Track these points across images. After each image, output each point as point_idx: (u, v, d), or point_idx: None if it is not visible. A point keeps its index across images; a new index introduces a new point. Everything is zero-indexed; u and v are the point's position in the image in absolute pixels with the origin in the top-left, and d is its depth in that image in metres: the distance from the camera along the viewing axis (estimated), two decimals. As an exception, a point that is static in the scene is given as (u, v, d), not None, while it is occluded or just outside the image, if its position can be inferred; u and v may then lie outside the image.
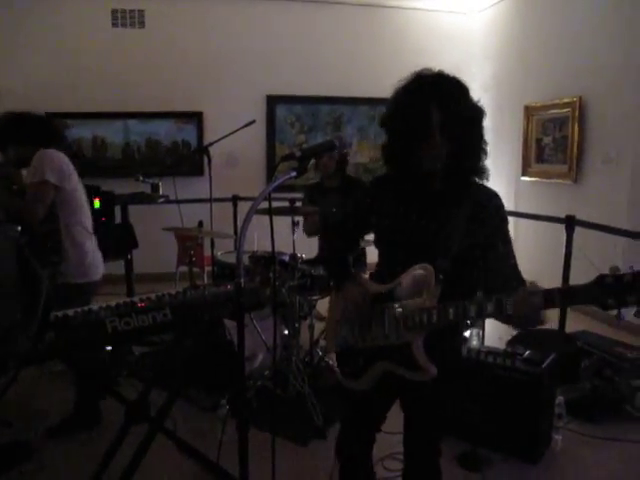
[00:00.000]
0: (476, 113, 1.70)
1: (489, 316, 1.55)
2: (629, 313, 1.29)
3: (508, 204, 6.63)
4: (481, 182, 1.77)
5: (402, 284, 1.73)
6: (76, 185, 2.97)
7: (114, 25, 6.43)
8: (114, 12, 6.41)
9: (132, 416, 2.37)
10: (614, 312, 1.35)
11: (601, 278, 1.35)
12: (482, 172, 1.76)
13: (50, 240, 2.86)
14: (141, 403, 2.40)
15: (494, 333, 4.57)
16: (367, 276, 1.96)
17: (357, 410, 1.97)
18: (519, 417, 2.90)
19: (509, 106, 6.76)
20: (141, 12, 6.45)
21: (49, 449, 3.00)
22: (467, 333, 3.55)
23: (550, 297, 1.42)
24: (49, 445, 3.03)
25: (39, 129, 2.97)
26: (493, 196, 1.76)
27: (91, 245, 3.03)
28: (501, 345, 3.95)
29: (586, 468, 2.93)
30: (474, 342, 3.27)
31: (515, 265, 1.72)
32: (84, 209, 3.03)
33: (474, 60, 7.26)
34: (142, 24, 6.47)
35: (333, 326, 1.96)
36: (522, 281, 1.68)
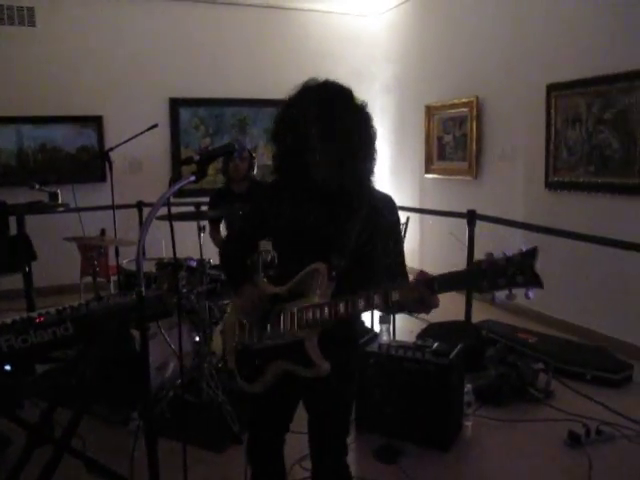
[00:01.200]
0: (357, 122, 1.71)
1: (377, 307, 1.61)
2: (521, 295, 1.35)
3: (413, 201, 6.87)
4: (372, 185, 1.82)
5: (297, 283, 1.76)
6: None
7: (1, 23, 6.04)
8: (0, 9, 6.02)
9: (34, 439, 2.24)
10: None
11: (477, 264, 1.41)
12: (369, 176, 1.79)
13: None
14: (43, 425, 2.27)
15: (405, 327, 4.70)
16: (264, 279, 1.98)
17: (261, 412, 1.97)
18: (431, 407, 2.99)
19: (411, 106, 6.97)
20: (30, 10, 6.09)
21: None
22: (377, 328, 3.62)
23: (431, 284, 1.50)
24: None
25: None
26: (387, 199, 1.84)
27: None
28: (412, 339, 4.06)
29: (494, 450, 3.07)
30: (384, 337, 3.34)
31: (403, 262, 1.82)
32: None
33: (376, 62, 7.45)
34: (32, 22, 6.12)
35: (231, 330, 1.95)
36: (406, 277, 1.78)
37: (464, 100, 5.96)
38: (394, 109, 7.38)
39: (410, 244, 5.49)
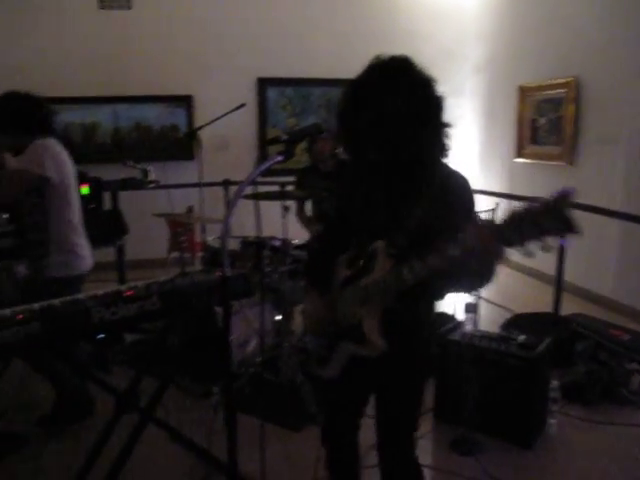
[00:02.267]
0: (424, 98, 1.65)
1: (435, 268, 1.49)
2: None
3: (502, 186, 6.64)
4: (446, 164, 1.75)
5: (363, 263, 1.74)
6: (70, 179, 2.89)
7: (101, 7, 6.28)
8: (101, -7, 6.26)
9: (122, 406, 2.33)
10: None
11: (509, 215, 1.30)
12: (439, 153, 1.71)
13: (35, 233, 2.80)
14: (131, 393, 2.36)
15: (489, 317, 4.56)
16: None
17: (335, 397, 1.96)
18: (513, 402, 2.89)
19: (503, 87, 6.69)
20: (128, -7, 6.31)
21: (41, 439, 2.98)
22: (461, 317, 3.53)
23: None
24: (41, 435, 3.01)
25: (37, 116, 2.86)
26: (460, 180, 1.73)
27: (78, 239, 2.95)
28: (495, 329, 3.94)
29: (579, 452, 2.93)
30: (468, 326, 3.24)
31: None
32: (74, 202, 2.94)
33: (467, 40, 7.17)
34: (129, 6, 6.33)
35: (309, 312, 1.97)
36: None
37: (561, 81, 5.64)
38: (485, 90, 7.11)
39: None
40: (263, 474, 1.74)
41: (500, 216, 1.28)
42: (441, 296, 1.91)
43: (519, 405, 2.88)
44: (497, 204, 5.15)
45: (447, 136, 1.70)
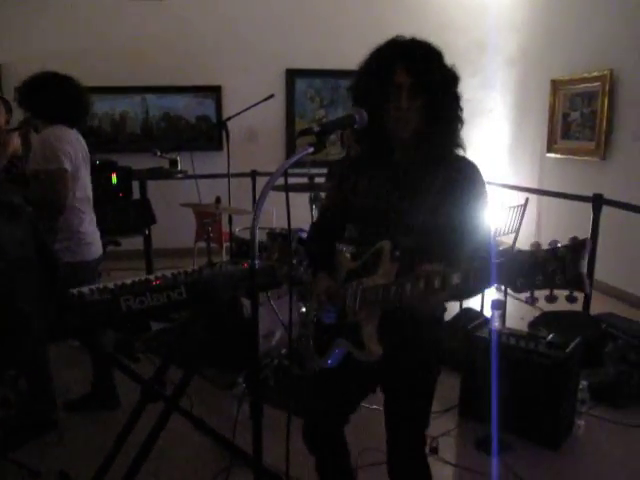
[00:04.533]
0: (448, 79, 1.61)
1: (429, 292, 1.43)
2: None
3: (532, 181, 6.52)
4: (458, 153, 1.68)
5: (367, 260, 1.69)
6: (79, 165, 2.87)
7: (131, -3, 6.32)
8: (131, -17, 6.30)
9: (147, 395, 2.35)
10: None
11: (514, 255, 1.21)
12: (456, 142, 1.67)
13: (44, 219, 2.82)
14: (156, 382, 2.38)
15: (516, 314, 4.49)
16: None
17: (325, 391, 1.90)
18: (541, 401, 2.84)
19: (535, 80, 6.57)
20: (157, -17, 6.33)
21: (69, 423, 3.03)
22: (488, 314, 3.48)
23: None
24: (69, 419, 3.07)
25: (74, 105, 2.88)
26: (469, 168, 1.67)
27: (84, 226, 2.92)
28: (523, 327, 3.88)
29: (608, 454, 2.87)
30: (495, 323, 3.19)
31: (481, 241, 1.59)
32: (83, 189, 2.93)
33: (500, 32, 7.03)
34: (159, -4, 6.36)
35: (313, 302, 1.91)
36: (485, 259, 1.45)
37: (596, 74, 5.51)
38: (516, 83, 6.99)
39: (528, 226, 5.22)
40: (287, 466, 1.73)
41: (513, 257, 1.20)
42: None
43: (547, 405, 2.84)
44: (527, 199, 5.07)
45: (459, 134, 1.66)
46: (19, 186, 2.84)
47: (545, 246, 1.16)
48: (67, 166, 2.72)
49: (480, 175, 1.67)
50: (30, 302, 0.62)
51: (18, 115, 3.01)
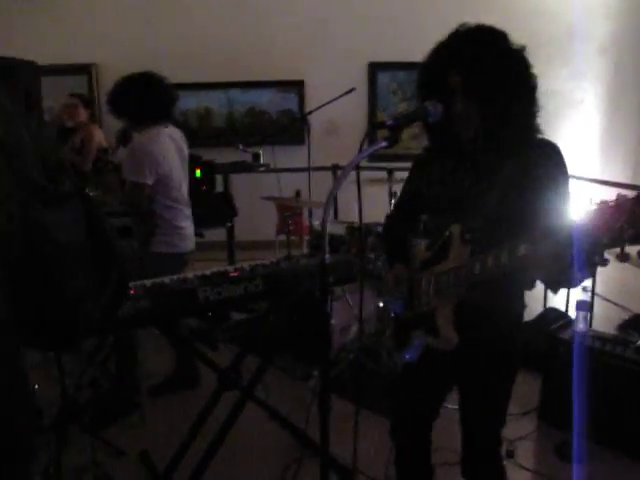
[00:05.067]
0: (509, 68, 1.52)
1: (506, 267, 1.36)
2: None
3: (626, 176, 6.15)
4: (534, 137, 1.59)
5: (439, 248, 1.66)
6: (172, 166, 3.01)
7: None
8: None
9: (224, 383, 2.42)
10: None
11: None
12: (530, 130, 1.58)
13: (145, 213, 2.97)
14: (233, 371, 2.44)
15: (604, 316, 4.28)
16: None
17: (410, 387, 1.87)
18: (629, 410, 2.69)
19: (629, 70, 6.20)
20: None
21: (152, 406, 3.18)
22: (573, 315, 3.33)
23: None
24: (152, 402, 3.22)
25: (160, 102, 3.00)
26: (549, 148, 1.57)
27: (181, 222, 3.09)
28: (611, 330, 3.69)
29: None
30: (580, 325, 3.05)
31: (555, 223, 1.42)
32: (178, 187, 3.07)
33: (592, 18, 6.66)
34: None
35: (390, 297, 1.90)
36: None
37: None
38: (609, 73, 6.61)
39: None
40: (355, 460, 1.74)
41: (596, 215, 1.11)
42: (528, 286, 1.71)
43: (633, 413, 2.68)
44: (618, 195, 4.80)
45: (536, 116, 1.58)
46: (107, 175, 3.01)
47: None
48: (148, 180, 2.88)
49: (560, 154, 1.57)
50: (81, 285, 0.65)
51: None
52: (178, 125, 3.18)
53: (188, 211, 3.18)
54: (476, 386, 1.75)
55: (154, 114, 2.98)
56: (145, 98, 2.94)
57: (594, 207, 1.10)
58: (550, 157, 1.55)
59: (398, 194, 3.65)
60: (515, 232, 1.41)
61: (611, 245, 1.07)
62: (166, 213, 3.02)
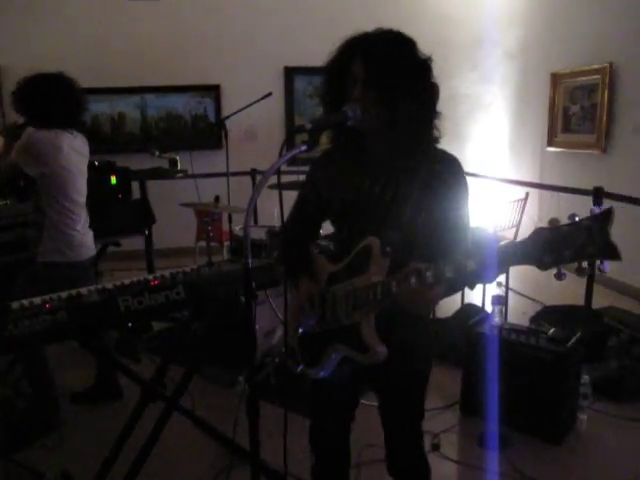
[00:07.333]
0: (411, 70, 1.53)
1: (427, 285, 1.38)
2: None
3: (533, 175, 6.49)
4: (434, 146, 1.62)
5: (352, 260, 1.62)
6: (71, 169, 2.86)
7: (129, -3, 6.32)
8: (129, -16, 6.29)
9: (147, 395, 2.35)
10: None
11: (536, 233, 1.18)
12: (427, 135, 1.59)
13: (29, 215, 2.84)
14: (156, 382, 2.37)
15: (517, 309, 4.49)
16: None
17: (324, 399, 1.87)
18: (543, 396, 2.83)
19: (535, 74, 6.55)
20: (156, -17, 6.32)
21: (72, 421, 3.06)
22: (489, 309, 3.47)
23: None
24: (72, 417, 3.10)
25: (67, 105, 2.86)
26: (450, 162, 1.60)
27: (74, 227, 2.92)
28: (525, 322, 3.88)
29: (610, 449, 2.86)
30: (496, 319, 3.19)
31: (460, 238, 1.56)
32: (73, 191, 2.91)
33: (498, 26, 7.00)
34: (156, -5, 6.36)
35: (294, 312, 1.81)
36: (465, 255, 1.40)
37: (596, 67, 5.49)
38: (516, 77, 6.96)
39: (529, 221, 5.20)
40: (285, 464, 1.73)
41: (536, 234, 1.18)
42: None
43: (548, 400, 2.83)
44: (527, 194, 5.06)
45: (437, 127, 1.60)
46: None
47: (565, 221, 1.15)
48: (29, 170, 2.76)
49: (462, 169, 1.61)
50: None
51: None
52: (83, 129, 3.04)
53: (85, 218, 3.01)
54: (392, 387, 1.75)
55: (60, 119, 2.83)
56: (53, 100, 2.79)
57: (552, 224, 1.18)
58: (457, 172, 1.58)
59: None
60: (431, 245, 1.52)
61: (570, 260, 1.13)
62: (57, 216, 2.84)
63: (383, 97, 1.51)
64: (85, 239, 2.99)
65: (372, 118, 1.53)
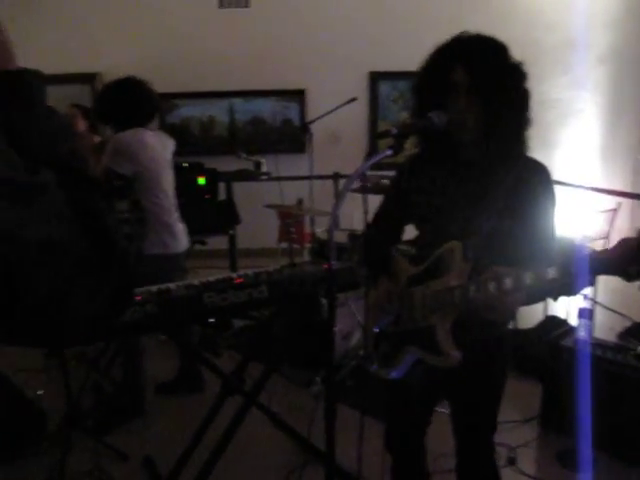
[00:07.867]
0: (511, 76, 1.53)
1: (506, 291, 1.38)
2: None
3: (625, 185, 6.20)
4: (524, 153, 1.60)
5: (433, 264, 1.61)
6: (159, 166, 3.03)
7: (220, 6, 6.55)
8: (221, -7, 6.53)
9: (228, 389, 2.43)
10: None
11: (622, 242, 1.13)
12: (521, 142, 1.58)
13: (135, 213, 2.99)
14: (236, 377, 2.45)
15: (605, 324, 4.29)
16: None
17: (400, 399, 1.88)
18: (630, 417, 2.70)
19: (629, 79, 6.25)
20: (247, -8, 6.53)
21: (156, 411, 3.21)
22: (574, 323, 3.35)
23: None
24: (157, 406, 3.26)
25: (140, 108, 3.02)
26: (539, 170, 1.58)
27: (173, 215, 3.11)
28: (612, 338, 3.71)
29: None
30: (582, 333, 3.07)
31: (546, 248, 1.53)
32: (162, 182, 3.07)
33: (591, 29, 6.72)
34: (247, 3, 6.55)
35: (372, 312, 1.85)
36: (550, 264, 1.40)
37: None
38: (608, 82, 6.66)
39: (620, 233, 4.97)
40: (360, 465, 1.75)
41: (622, 244, 1.15)
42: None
43: (635, 421, 2.70)
44: (619, 204, 4.83)
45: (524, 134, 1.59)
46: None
47: None
48: (123, 170, 2.91)
49: (551, 178, 1.59)
50: (63, 283, 0.59)
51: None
52: (170, 133, 3.21)
53: (176, 212, 3.18)
54: (464, 395, 1.75)
55: (137, 118, 3.00)
56: (124, 101, 2.97)
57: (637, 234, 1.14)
58: (545, 180, 1.58)
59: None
60: (514, 252, 1.50)
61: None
62: (156, 210, 3.02)
63: (487, 104, 1.52)
64: (182, 229, 3.18)
65: (469, 124, 1.55)
